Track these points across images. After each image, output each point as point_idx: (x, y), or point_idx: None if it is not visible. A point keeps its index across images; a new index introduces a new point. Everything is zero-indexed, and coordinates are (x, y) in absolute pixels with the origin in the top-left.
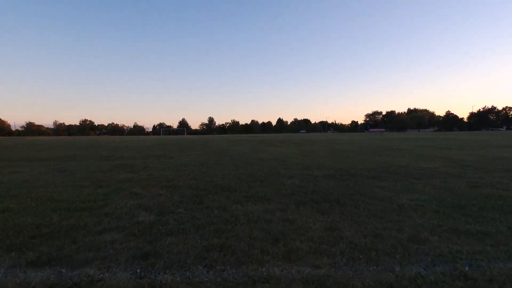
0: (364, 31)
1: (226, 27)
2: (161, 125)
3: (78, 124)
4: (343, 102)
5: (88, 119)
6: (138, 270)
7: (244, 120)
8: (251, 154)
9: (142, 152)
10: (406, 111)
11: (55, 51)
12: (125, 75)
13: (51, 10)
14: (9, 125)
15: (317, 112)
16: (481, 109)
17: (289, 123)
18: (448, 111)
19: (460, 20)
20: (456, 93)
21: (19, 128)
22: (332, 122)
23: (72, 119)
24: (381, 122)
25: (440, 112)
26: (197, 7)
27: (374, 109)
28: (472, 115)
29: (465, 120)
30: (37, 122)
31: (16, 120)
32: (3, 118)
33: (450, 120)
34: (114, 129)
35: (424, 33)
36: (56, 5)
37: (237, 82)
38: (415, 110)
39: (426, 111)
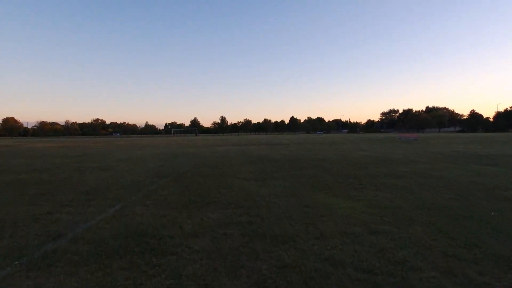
0: (377, 25)
1: (237, 25)
2: (172, 124)
3: (90, 122)
4: (357, 99)
5: (100, 118)
6: None
7: (256, 119)
8: (310, 233)
9: (102, 204)
10: (424, 109)
11: (68, 50)
12: (138, 74)
13: (62, 9)
14: (21, 125)
15: (330, 110)
16: (509, 108)
17: (302, 121)
18: (473, 110)
19: (480, 13)
20: (478, 91)
21: (34, 127)
22: (346, 121)
23: (85, 117)
24: (398, 121)
25: (458, 110)
26: (210, 6)
27: (390, 107)
28: (498, 115)
29: (490, 119)
30: (49, 121)
31: (29, 120)
32: (16, 118)
33: (475, 119)
34: (126, 128)
35: (439, 28)
36: (68, 4)
37: (249, 81)
38: (434, 108)
39: (445, 109)
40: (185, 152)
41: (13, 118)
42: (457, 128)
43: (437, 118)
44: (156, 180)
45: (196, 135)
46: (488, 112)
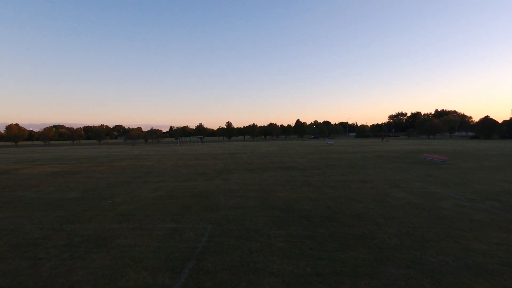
0: (383, 26)
1: (244, 29)
2: (177, 130)
3: (97, 126)
4: (363, 102)
5: (105, 124)
6: None
7: (262, 122)
8: None
9: None
10: (433, 112)
11: (76, 55)
12: (144, 77)
13: (67, 11)
14: (25, 131)
15: (336, 112)
16: None
17: (308, 123)
18: (487, 115)
19: (491, 13)
20: (488, 93)
21: (40, 130)
22: (353, 123)
23: (90, 119)
24: (407, 124)
25: (468, 113)
26: (215, 10)
27: (397, 110)
28: None
29: (500, 123)
30: (54, 124)
31: (34, 122)
32: (20, 124)
33: (489, 124)
34: (130, 134)
35: (447, 31)
36: (73, 6)
37: (255, 84)
38: (443, 111)
39: (455, 112)
40: (195, 194)
41: (16, 125)
42: (469, 133)
43: (449, 123)
44: None
45: (202, 143)
46: (499, 116)
